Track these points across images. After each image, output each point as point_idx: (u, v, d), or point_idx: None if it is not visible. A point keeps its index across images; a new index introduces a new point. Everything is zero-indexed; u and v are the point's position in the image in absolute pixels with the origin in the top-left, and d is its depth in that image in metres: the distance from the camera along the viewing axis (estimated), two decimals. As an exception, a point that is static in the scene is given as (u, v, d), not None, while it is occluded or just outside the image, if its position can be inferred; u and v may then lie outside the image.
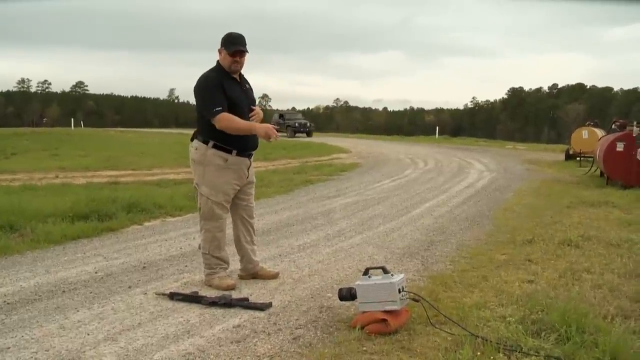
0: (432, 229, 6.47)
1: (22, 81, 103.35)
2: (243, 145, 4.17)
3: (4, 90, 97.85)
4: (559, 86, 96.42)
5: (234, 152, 4.15)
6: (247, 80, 4.33)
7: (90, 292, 4.05)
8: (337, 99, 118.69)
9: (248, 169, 4.28)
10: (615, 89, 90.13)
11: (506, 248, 5.40)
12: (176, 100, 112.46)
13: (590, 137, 16.96)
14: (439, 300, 3.68)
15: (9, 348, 3.01)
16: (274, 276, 4.40)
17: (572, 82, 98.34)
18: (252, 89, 4.38)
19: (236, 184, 4.22)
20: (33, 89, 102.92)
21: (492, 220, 7.11)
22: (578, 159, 16.83)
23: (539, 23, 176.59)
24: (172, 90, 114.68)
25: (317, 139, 30.94)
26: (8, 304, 3.77)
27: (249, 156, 4.27)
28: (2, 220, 6.05)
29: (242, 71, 4.25)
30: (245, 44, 4.14)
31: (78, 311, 3.63)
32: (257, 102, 4.53)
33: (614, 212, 7.54)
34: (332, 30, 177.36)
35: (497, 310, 3.50)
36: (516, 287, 4.02)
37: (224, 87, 4.06)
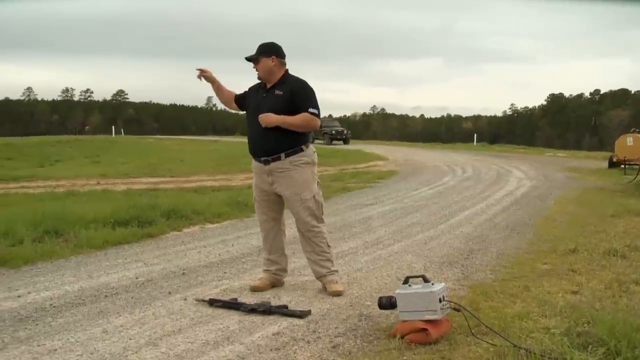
0: (472, 238, 6.38)
1: (66, 90, 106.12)
2: (251, 148, 4.31)
3: (49, 99, 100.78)
4: (602, 92, 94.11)
5: (251, 155, 4.32)
6: (286, 86, 4.15)
7: (132, 297, 4.12)
8: (374, 106, 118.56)
9: (268, 176, 4.18)
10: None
11: (548, 257, 5.28)
12: (214, 108, 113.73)
13: (635, 144, 16.50)
14: (480, 310, 3.61)
15: (56, 350, 3.09)
16: (335, 293, 4.11)
17: (615, 87, 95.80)
18: (289, 95, 4.11)
19: (261, 188, 4.29)
20: (76, 98, 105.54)
21: (532, 228, 6.96)
22: (622, 166, 16.38)
23: (580, 28, 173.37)
24: (209, 99, 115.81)
25: (354, 146, 30.89)
26: (54, 307, 3.87)
27: (264, 162, 4.17)
28: (47, 225, 6.21)
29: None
30: (260, 52, 4.18)
31: (120, 316, 3.69)
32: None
33: (661, 221, 7.30)
34: (369, 36, 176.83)
35: (541, 321, 3.42)
36: (560, 298, 3.92)
37: (245, 97, 4.39)
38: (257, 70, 4.21)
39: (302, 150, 4.21)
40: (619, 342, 2.85)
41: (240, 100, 4.45)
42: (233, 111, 4.71)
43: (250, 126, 4.26)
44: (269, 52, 4.18)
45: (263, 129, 4.12)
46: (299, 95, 4.15)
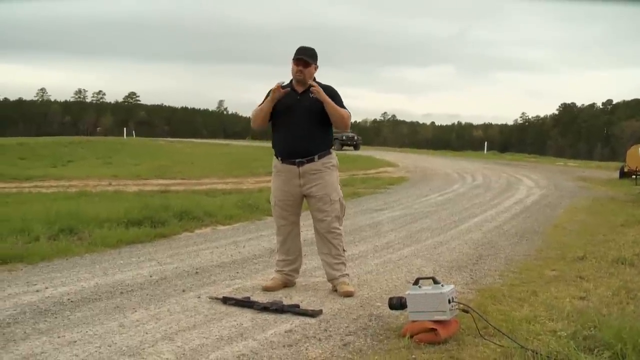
0: (481, 244, 6.44)
1: (79, 92, 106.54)
2: (282, 150, 4.28)
3: (62, 100, 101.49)
4: (614, 102, 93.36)
5: (280, 158, 4.29)
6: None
7: (147, 294, 4.20)
8: (385, 112, 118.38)
9: (300, 179, 4.22)
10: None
11: (556, 264, 5.33)
12: (225, 112, 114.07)
13: (646, 155, 16.48)
14: (488, 313, 3.66)
15: (75, 342, 3.18)
16: (345, 293, 4.17)
17: (628, 97, 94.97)
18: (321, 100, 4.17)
19: (286, 191, 4.29)
20: (88, 99, 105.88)
21: (542, 236, 7.01)
22: (634, 177, 16.34)
23: (594, 38, 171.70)
24: (221, 102, 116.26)
25: (364, 152, 30.95)
26: (72, 302, 3.97)
27: (298, 164, 4.19)
28: (62, 224, 6.32)
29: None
30: (312, 56, 4.21)
31: (136, 311, 3.78)
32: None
33: (671, 231, 7.31)
34: (381, 43, 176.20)
35: (548, 325, 3.47)
36: (567, 303, 3.97)
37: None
38: (301, 73, 4.17)
39: (330, 152, 4.32)
40: (625, 346, 2.89)
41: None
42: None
43: (284, 128, 4.26)
44: (315, 58, 4.25)
45: (300, 131, 4.15)
46: (335, 100, 4.24)
